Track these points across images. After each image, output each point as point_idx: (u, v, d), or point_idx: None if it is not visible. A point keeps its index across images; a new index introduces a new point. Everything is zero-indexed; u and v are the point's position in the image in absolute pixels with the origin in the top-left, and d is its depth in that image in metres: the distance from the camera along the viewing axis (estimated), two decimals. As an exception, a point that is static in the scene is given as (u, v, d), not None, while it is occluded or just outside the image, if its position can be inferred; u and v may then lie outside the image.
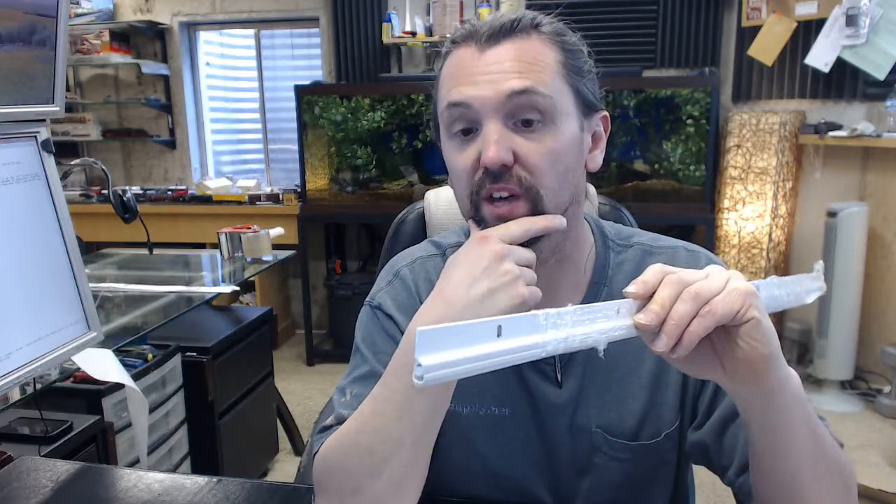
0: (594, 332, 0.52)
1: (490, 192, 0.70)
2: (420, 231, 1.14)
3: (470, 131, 0.72)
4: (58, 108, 1.00)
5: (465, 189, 0.73)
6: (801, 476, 0.62)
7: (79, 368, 1.42)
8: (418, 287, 0.83)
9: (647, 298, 0.54)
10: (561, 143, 0.72)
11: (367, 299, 0.84)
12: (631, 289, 0.54)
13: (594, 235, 0.83)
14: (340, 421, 0.74)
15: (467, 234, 0.85)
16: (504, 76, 0.70)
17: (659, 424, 0.78)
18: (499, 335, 0.47)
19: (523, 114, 0.70)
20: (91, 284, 1.16)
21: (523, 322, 0.49)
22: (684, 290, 0.53)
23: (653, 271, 0.55)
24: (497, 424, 0.79)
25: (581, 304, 0.69)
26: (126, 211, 1.86)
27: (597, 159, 0.79)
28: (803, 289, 0.67)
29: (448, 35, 0.77)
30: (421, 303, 0.79)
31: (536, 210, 0.71)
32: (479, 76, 0.70)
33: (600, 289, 0.80)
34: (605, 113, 0.82)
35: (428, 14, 3.74)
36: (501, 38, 0.71)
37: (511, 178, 0.70)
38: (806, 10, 3.11)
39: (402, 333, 0.78)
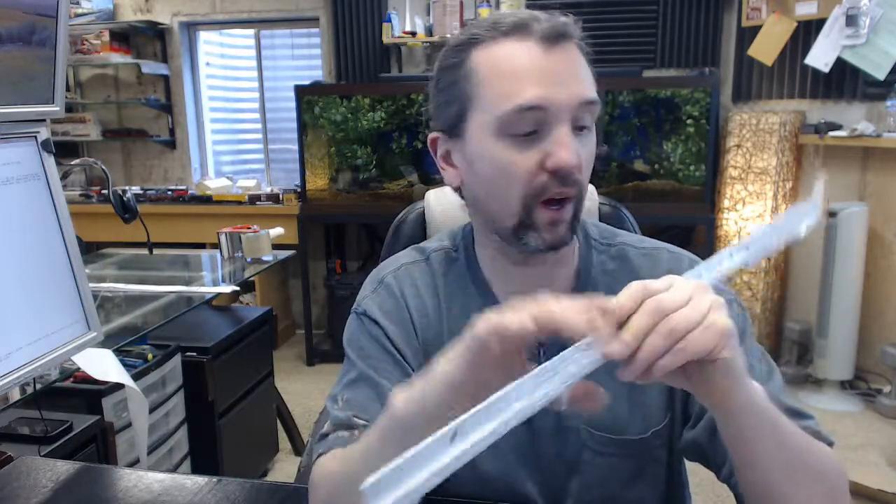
0: (556, 385, 0.50)
1: (553, 196, 0.69)
2: (420, 231, 1.14)
3: (532, 133, 0.69)
4: (58, 108, 1.00)
5: (519, 191, 0.70)
6: (774, 485, 0.62)
7: (79, 368, 1.42)
8: (403, 293, 0.82)
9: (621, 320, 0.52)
10: (594, 148, 0.74)
11: (354, 307, 0.84)
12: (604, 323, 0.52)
13: (577, 235, 0.82)
14: (337, 425, 0.74)
15: (453, 239, 0.86)
16: (576, 82, 0.69)
17: (646, 422, 0.78)
18: (453, 440, 0.45)
19: (582, 120, 0.70)
20: (91, 284, 1.16)
21: (482, 413, 0.47)
22: (661, 323, 0.51)
23: (630, 293, 0.53)
24: None
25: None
26: (126, 211, 1.86)
27: None
28: (799, 219, 0.64)
29: (454, 30, 0.75)
30: (407, 308, 0.81)
31: (577, 213, 0.72)
32: (554, 78, 0.68)
33: (585, 288, 0.80)
34: None
35: (428, 14, 3.74)
36: (561, 41, 0.69)
37: (573, 182, 0.70)
38: (806, 10, 3.11)
39: (389, 339, 0.78)
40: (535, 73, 0.68)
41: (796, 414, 0.71)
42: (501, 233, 0.75)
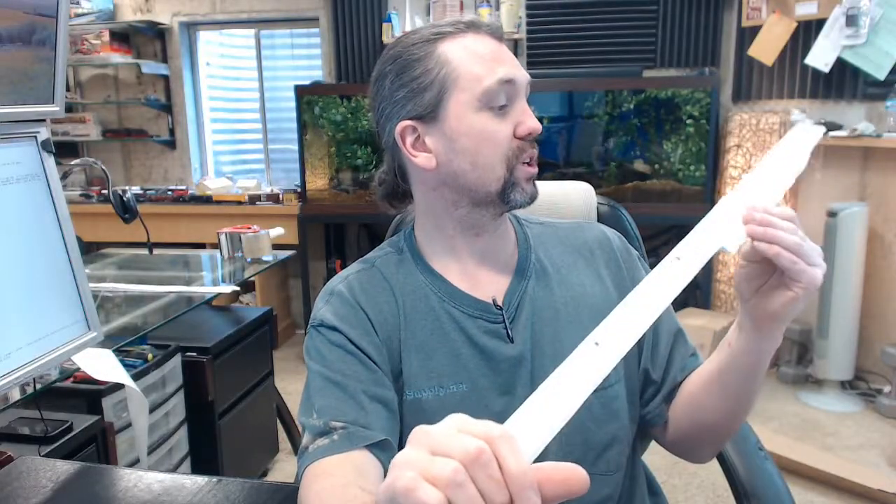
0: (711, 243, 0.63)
1: (530, 155, 0.83)
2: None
3: (505, 106, 0.82)
4: (58, 108, 1.00)
5: (502, 155, 0.82)
6: (723, 419, 0.81)
7: (79, 368, 1.42)
8: (356, 297, 0.85)
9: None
10: None
11: (309, 323, 0.87)
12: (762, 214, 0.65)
13: (509, 217, 0.94)
14: (315, 435, 0.75)
15: (394, 244, 0.92)
16: (521, 66, 0.84)
17: None
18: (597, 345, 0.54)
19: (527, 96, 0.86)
20: (91, 284, 1.16)
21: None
22: (798, 233, 0.64)
23: (782, 211, 0.65)
24: (456, 401, 0.82)
25: (516, 269, 0.88)
26: (126, 211, 1.86)
27: None
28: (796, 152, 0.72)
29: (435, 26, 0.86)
30: (362, 309, 0.84)
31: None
32: (510, 60, 0.83)
33: (529, 254, 0.90)
34: None
35: (428, 14, 3.74)
36: (503, 37, 0.86)
37: (535, 147, 0.84)
38: (806, 10, 3.11)
39: (350, 341, 0.81)
40: (498, 57, 0.82)
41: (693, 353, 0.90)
42: (483, 199, 0.84)
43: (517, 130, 0.81)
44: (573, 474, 0.41)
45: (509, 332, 0.84)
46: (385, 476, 0.65)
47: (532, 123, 0.82)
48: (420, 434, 0.42)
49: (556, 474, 0.40)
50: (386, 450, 0.75)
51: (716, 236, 0.63)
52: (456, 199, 0.85)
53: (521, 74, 0.82)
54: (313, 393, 0.79)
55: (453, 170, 0.83)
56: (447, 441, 0.40)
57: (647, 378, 0.89)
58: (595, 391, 0.82)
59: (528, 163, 0.83)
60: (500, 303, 0.85)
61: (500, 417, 0.81)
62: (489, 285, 0.86)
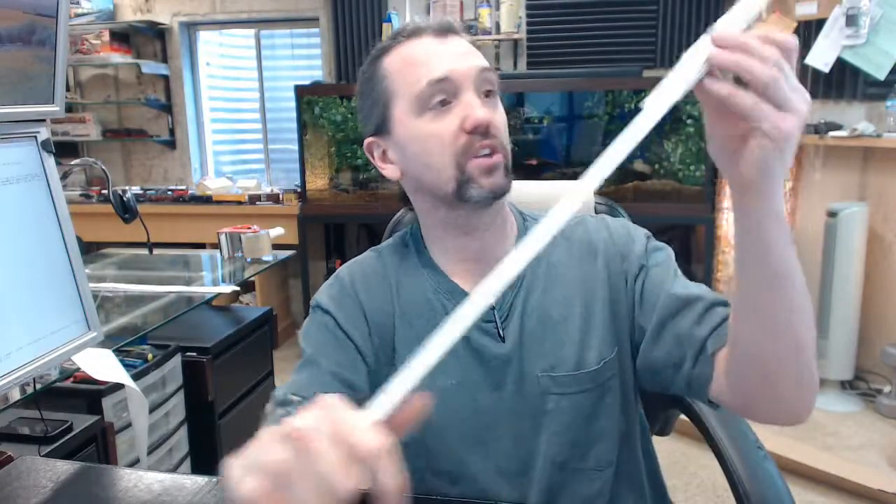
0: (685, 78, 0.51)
1: (479, 149, 0.80)
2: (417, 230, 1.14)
3: (447, 103, 0.80)
4: (58, 108, 1.00)
5: (448, 153, 0.80)
6: (768, 342, 0.65)
7: (79, 368, 1.42)
8: (354, 282, 0.89)
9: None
10: (504, 114, 0.86)
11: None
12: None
13: (513, 212, 0.93)
14: (277, 403, 0.78)
15: (403, 236, 0.95)
16: (471, 56, 0.83)
17: (598, 353, 0.85)
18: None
19: (485, 86, 0.83)
20: (91, 284, 1.16)
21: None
22: (772, 62, 0.51)
23: (774, 37, 0.54)
24: (446, 395, 0.83)
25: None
26: (126, 211, 1.86)
27: None
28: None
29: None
30: (357, 295, 0.89)
31: (506, 163, 0.82)
32: (452, 56, 0.81)
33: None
34: None
35: (428, 14, 3.74)
36: (450, 33, 0.84)
37: (491, 136, 0.80)
38: (806, 10, 3.11)
39: (337, 324, 0.85)
40: (435, 55, 0.82)
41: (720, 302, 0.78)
42: (445, 201, 0.83)
43: (464, 125, 0.80)
44: (412, 405, 0.46)
45: (500, 331, 0.85)
46: None
47: (477, 115, 0.79)
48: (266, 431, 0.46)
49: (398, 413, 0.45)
50: None
51: (682, 75, 0.52)
52: (431, 202, 0.86)
53: (462, 67, 0.80)
54: (296, 368, 0.84)
55: (414, 176, 0.85)
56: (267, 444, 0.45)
57: (671, 354, 0.80)
58: (586, 389, 0.84)
59: (485, 155, 0.81)
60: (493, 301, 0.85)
61: (488, 413, 0.85)
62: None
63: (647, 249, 0.88)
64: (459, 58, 0.82)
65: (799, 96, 0.52)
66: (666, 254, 0.88)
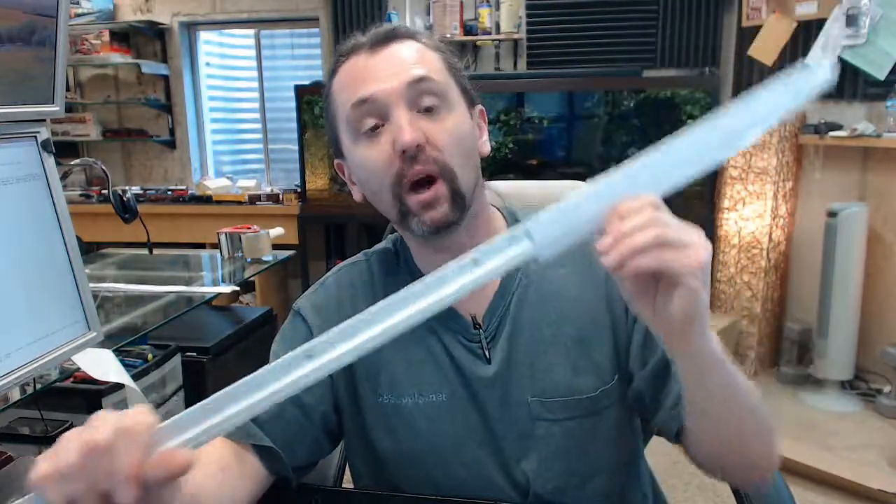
0: (476, 277, 0.53)
1: (412, 179, 0.73)
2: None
3: (377, 127, 0.75)
4: (58, 108, 1.00)
5: (385, 182, 0.75)
6: (726, 436, 0.69)
7: (79, 368, 1.41)
8: (340, 293, 0.87)
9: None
10: (460, 125, 0.77)
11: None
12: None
13: (507, 222, 0.87)
14: None
15: (393, 241, 0.90)
16: (402, 68, 0.75)
17: (596, 380, 0.80)
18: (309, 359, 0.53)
19: (424, 100, 0.75)
20: (91, 284, 1.16)
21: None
22: (654, 228, 0.51)
23: (640, 201, 0.53)
24: (437, 411, 0.81)
25: (501, 283, 0.81)
26: (126, 211, 1.86)
27: (486, 145, 0.84)
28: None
29: (454, 30, 0.82)
30: (339, 305, 0.86)
31: (454, 189, 0.74)
32: (379, 72, 0.75)
33: (518, 270, 0.82)
34: (482, 107, 0.86)
35: (428, 14, 3.74)
36: (387, 42, 0.77)
37: (427, 159, 0.73)
38: (806, 10, 3.11)
39: (312, 334, 0.82)
40: (360, 75, 0.76)
41: None
42: (396, 225, 0.81)
43: (395, 147, 0.73)
44: (171, 456, 0.51)
45: (486, 352, 0.81)
46: (257, 481, 0.79)
47: (401, 138, 0.71)
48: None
49: (158, 459, 0.51)
50: (267, 458, 0.77)
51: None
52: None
53: (387, 84, 0.73)
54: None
55: (370, 201, 0.82)
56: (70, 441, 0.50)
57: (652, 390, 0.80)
58: (578, 416, 0.81)
59: (419, 187, 0.73)
60: (479, 320, 0.81)
61: (473, 432, 0.82)
62: (470, 300, 0.79)
63: None
64: (386, 72, 0.74)
65: (688, 231, 0.52)
66: None
